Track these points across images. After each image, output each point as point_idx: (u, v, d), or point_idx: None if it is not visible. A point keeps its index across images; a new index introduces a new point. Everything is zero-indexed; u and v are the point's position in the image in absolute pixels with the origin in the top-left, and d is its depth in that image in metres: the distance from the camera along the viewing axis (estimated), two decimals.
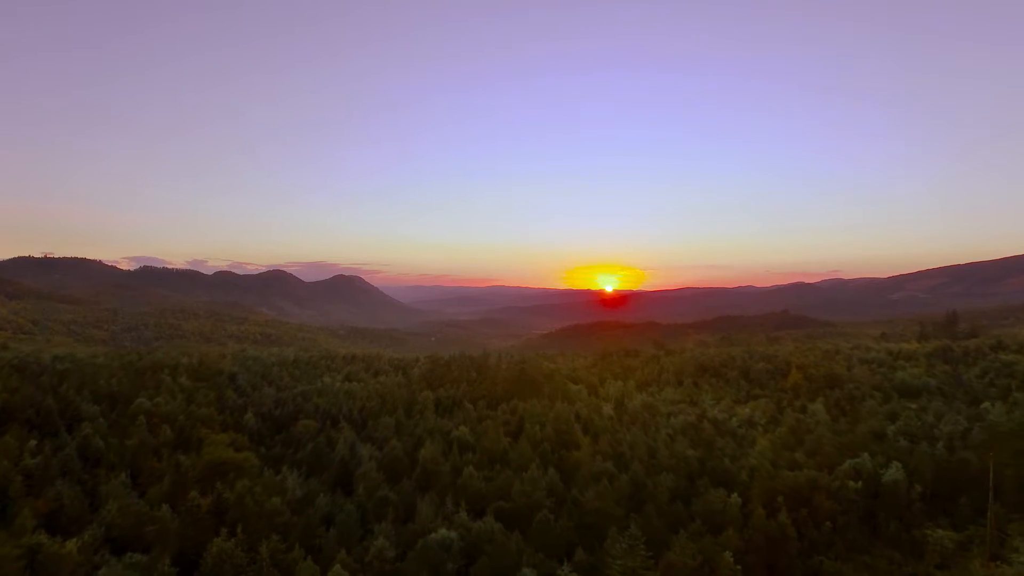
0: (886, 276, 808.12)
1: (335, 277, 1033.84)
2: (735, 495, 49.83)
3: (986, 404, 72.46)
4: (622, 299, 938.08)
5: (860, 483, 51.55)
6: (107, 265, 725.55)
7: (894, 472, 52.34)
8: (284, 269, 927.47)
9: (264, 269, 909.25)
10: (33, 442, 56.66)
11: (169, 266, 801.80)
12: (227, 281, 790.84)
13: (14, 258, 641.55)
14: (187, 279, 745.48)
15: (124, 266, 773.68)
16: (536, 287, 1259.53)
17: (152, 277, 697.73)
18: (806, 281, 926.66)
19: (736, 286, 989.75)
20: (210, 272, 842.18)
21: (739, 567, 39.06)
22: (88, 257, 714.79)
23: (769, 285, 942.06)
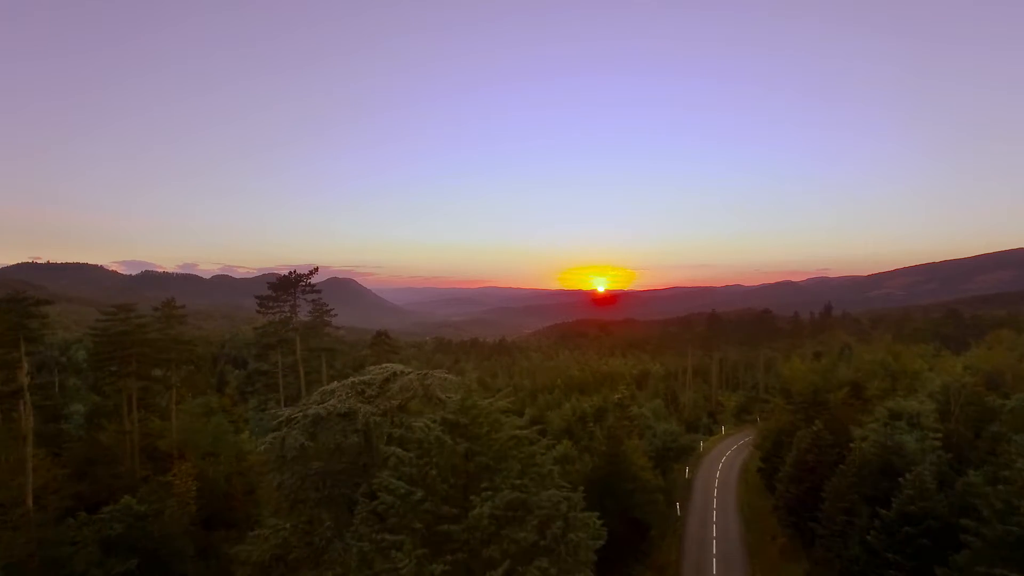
0: (867, 274, 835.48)
1: (329, 280, 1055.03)
2: None
3: None
4: (612, 299, 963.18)
5: None
6: (108, 270, 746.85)
7: None
8: (278, 272, 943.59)
9: (257, 272, 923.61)
10: None
11: (166, 271, 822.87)
12: (224, 284, 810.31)
13: (19, 263, 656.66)
14: (185, 283, 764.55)
15: (119, 270, 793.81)
16: (528, 288, 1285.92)
17: (151, 281, 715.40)
18: (793, 280, 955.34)
19: (723, 285, 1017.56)
20: (206, 276, 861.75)
21: None
22: (84, 262, 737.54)
23: (756, 284, 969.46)
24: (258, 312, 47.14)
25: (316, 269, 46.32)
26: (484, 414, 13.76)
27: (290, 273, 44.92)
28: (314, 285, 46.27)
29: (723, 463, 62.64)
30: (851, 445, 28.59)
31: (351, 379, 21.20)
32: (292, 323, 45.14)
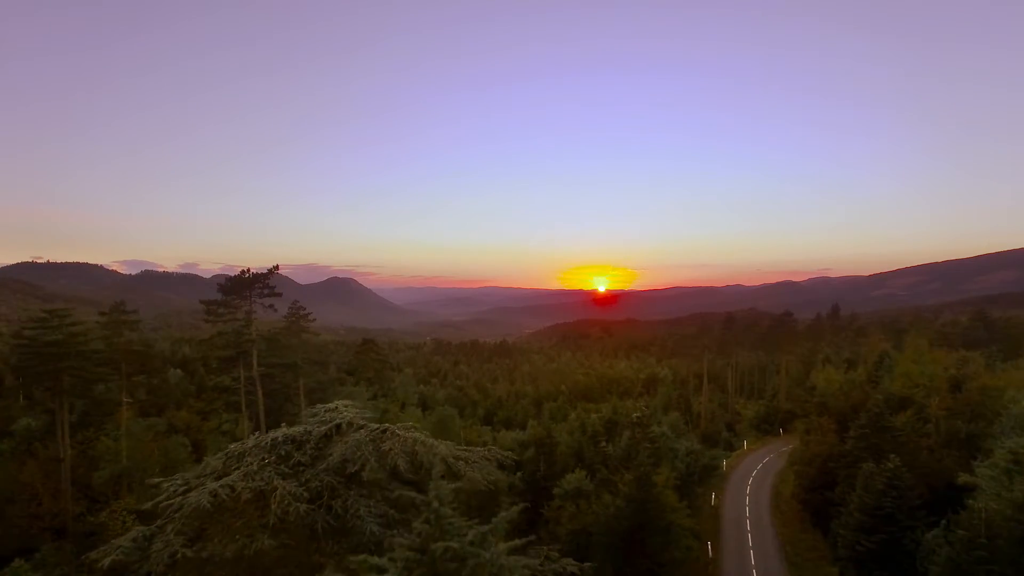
0: (868, 274, 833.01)
1: (329, 279, 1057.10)
2: None
3: None
4: (612, 299, 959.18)
5: None
6: (108, 270, 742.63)
7: None
8: (278, 272, 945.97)
9: (258, 272, 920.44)
10: None
11: (166, 270, 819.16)
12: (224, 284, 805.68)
13: (18, 263, 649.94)
14: (186, 282, 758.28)
15: (119, 270, 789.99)
16: (529, 287, 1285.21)
17: (152, 280, 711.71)
18: (794, 280, 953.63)
19: (724, 285, 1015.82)
20: (207, 275, 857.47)
21: None
22: (84, 262, 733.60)
23: (757, 284, 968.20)
24: (206, 321, 40.12)
25: (276, 267, 39.67)
26: (471, 569, 6.83)
27: (243, 272, 38.05)
28: (274, 287, 39.50)
29: (751, 486, 55.79)
30: (968, 502, 22.03)
31: (274, 433, 14.28)
32: (247, 333, 38.37)
